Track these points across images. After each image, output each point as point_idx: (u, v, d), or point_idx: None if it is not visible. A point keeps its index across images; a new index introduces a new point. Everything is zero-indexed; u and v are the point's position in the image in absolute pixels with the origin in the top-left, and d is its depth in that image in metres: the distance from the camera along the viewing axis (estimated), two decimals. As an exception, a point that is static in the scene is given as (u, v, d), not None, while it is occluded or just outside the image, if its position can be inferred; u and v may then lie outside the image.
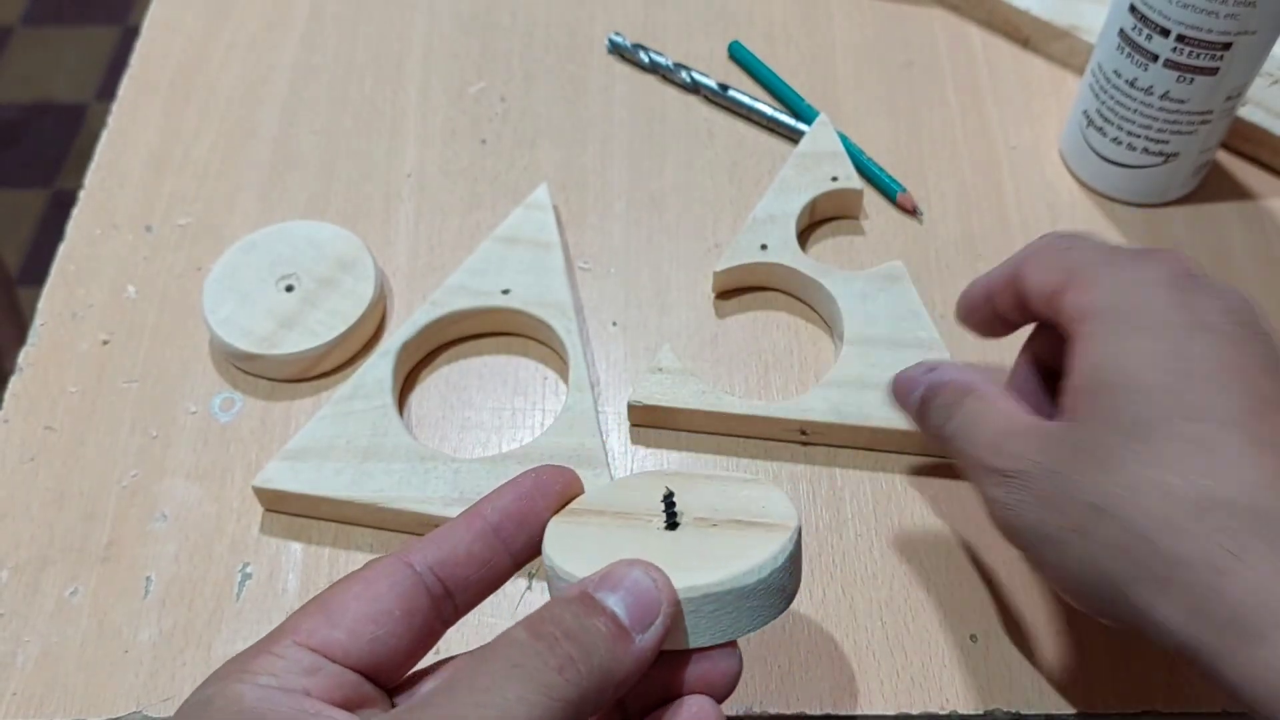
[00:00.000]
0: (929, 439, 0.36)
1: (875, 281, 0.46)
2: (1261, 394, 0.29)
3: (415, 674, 0.29)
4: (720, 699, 0.28)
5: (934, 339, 0.44)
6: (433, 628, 0.28)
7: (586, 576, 0.27)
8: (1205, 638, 0.27)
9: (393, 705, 0.27)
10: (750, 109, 0.53)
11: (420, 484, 0.40)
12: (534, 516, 0.29)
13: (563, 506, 0.30)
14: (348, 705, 0.26)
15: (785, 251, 0.47)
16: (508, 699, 0.23)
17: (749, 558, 0.28)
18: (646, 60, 0.55)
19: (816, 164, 0.49)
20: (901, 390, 0.37)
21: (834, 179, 0.49)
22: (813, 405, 0.42)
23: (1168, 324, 0.30)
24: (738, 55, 0.56)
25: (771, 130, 0.53)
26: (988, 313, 0.37)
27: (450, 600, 0.28)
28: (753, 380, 0.45)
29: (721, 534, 0.29)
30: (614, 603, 0.26)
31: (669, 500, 0.29)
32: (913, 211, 0.50)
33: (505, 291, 0.45)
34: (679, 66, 0.55)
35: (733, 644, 0.28)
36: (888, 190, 0.51)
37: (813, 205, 0.49)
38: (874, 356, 0.43)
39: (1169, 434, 0.29)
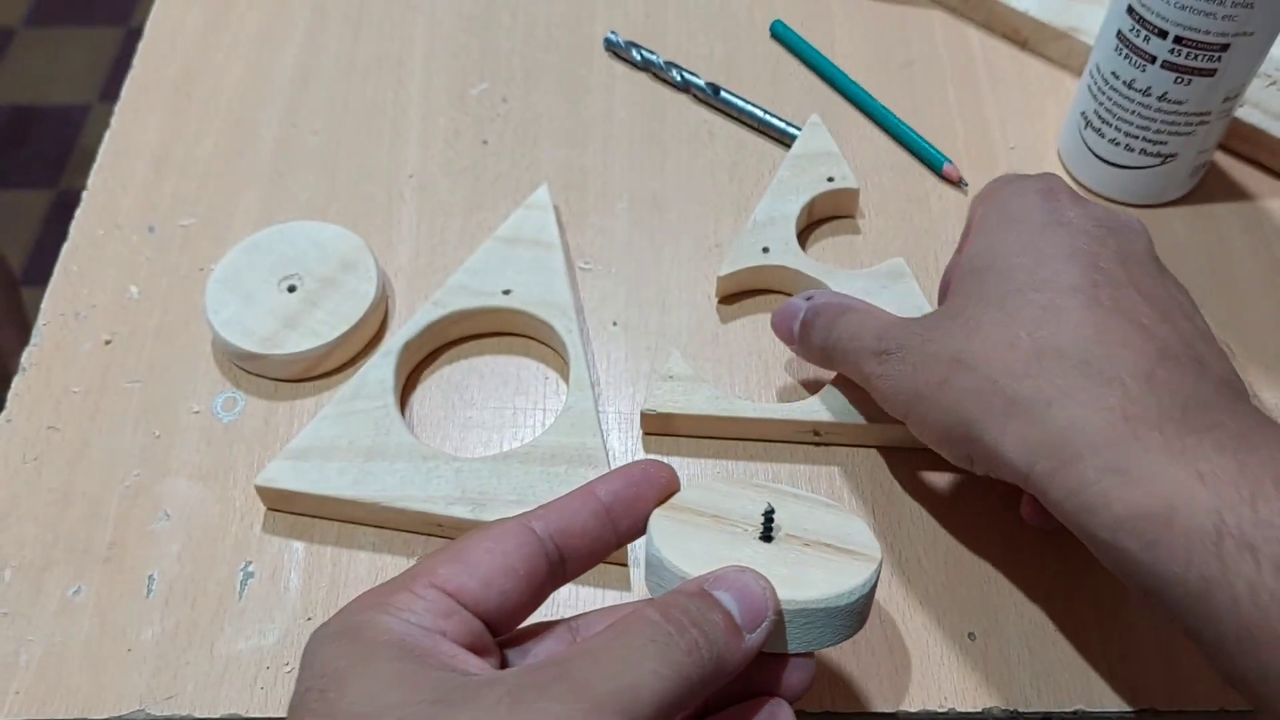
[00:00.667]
0: (810, 358, 0.41)
1: (878, 279, 0.46)
2: (1105, 271, 0.34)
3: (520, 630, 0.31)
4: (794, 700, 0.31)
5: None
6: (545, 589, 0.31)
7: (701, 575, 0.30)
8: (1037, 464, 0.32)
9: (502, 656, 0.30)
10: (742, 111, 0.54)
11: (422, 483, 0.40)
12: (640, 503, 0.32)
13: (664, 499, 0.33)
14: (473, 650, 0.28)
15: (787, 254, 0.47)
16: (645, 670, 0.26)
17: (842, 583, 0.31)
18: (639, 58, 0.56)
19: (812, 165, 0.49)
20: (783, 321, 0.41)
21: (830, 179, 0.49)
22: (826, 406, 0.42)
23: (1032, 221, 0.36)
24: (781, 35, 0.57)
25: (762, 134, 0.53)
26: None
27: (562, 566, 0.31)
28: (754, 380, 0.45)
29: (814, 554, 0.32)
30: (728, 602, 0.29)
31: (769, 515, 0.32)
32: (958, 182, 0.51)
33: (506, 292, 0.45)
34: (670, 65, 0.55)
35: (811, 654, 0.31)
36: (933, 163, 0.52)
37: (810, 206, 0.49)
38: None
39: (1021, 301, 0.34)
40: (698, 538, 0.32)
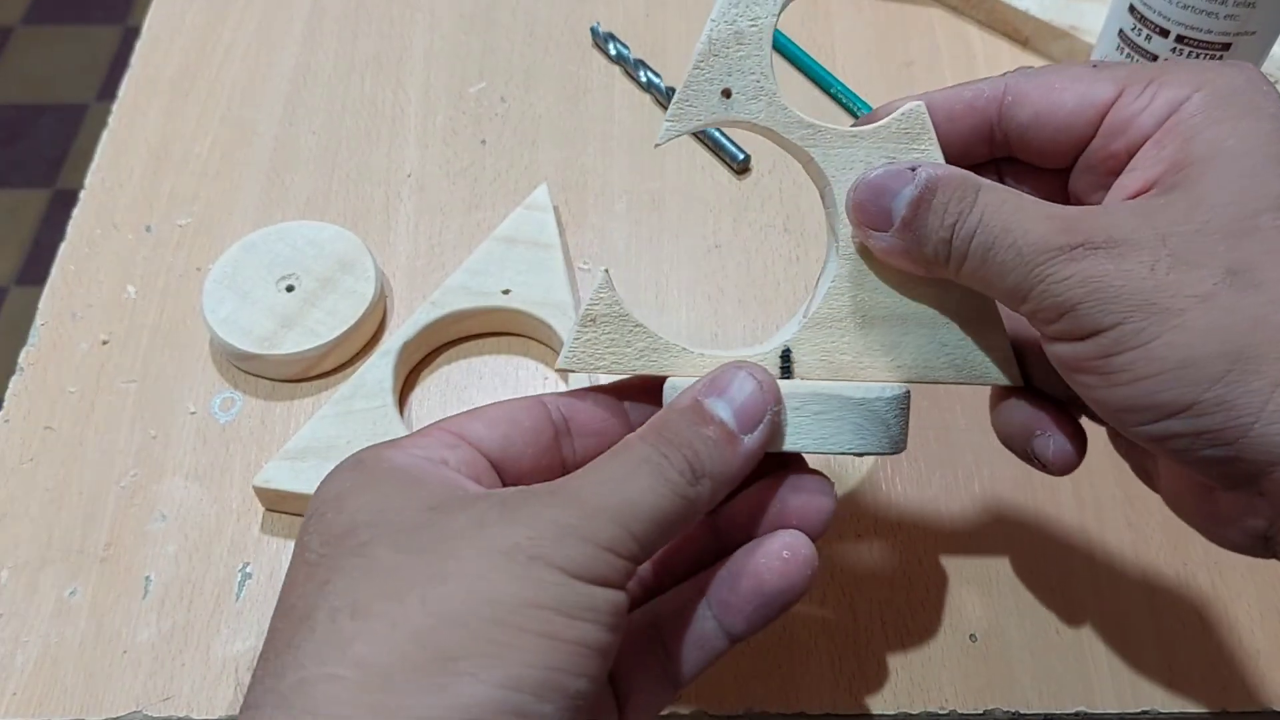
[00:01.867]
0: (916, 260, 0.29)
1: (884, 143, 0.30)
2: None
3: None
4: (814, 535, 0.29)
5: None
6: (553, 455, 0.30)
7: (696, 381, 0.29)
8: None
9: None
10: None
11: None
12: (657, 397, 0.31)
13: None
14: (475, 480, 0.28)
15: (760, 99, 0.30)
16: (639, 486, 0.26)
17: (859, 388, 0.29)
18: (614, 53, 0.56)
19: None
20: (874, 200, 0.29)
21: None
22: (791, 354, 0.34)
23: (1261, 110, 0.27)
24: (777, 43, 0.57)
25: (713, 152, 0.53)
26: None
27: (570, 439, 0.30)
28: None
29: (834, 382, 0.30)
30: (721, 408, 0.28)
31: (785, 354, 0.30)
32: None
33: (505, 292, 0.45)
34: (639, 64, 0.55)
35: (827, 480, 0.30)
36: (853, 111, 0.51)
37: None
38: (875, 280, 0.31)
39: None
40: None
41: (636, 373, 0.31)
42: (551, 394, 0.31)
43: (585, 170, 0.52)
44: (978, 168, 0.31)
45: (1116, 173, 0.29)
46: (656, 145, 0.32)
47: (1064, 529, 0.41)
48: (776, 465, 0.30)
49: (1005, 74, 0.30)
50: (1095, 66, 0.30)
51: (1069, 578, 0.40)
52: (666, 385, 0.30)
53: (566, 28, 0.58)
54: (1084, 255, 0.26)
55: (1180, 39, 0.43)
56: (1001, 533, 0.40)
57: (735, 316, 0.47)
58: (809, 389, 0.29)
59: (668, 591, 0.31)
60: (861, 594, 0.39)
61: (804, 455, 0.31)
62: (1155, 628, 0.38)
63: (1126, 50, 0.45)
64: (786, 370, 0.31)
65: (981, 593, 0.39)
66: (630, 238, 0.50)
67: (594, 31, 0.57)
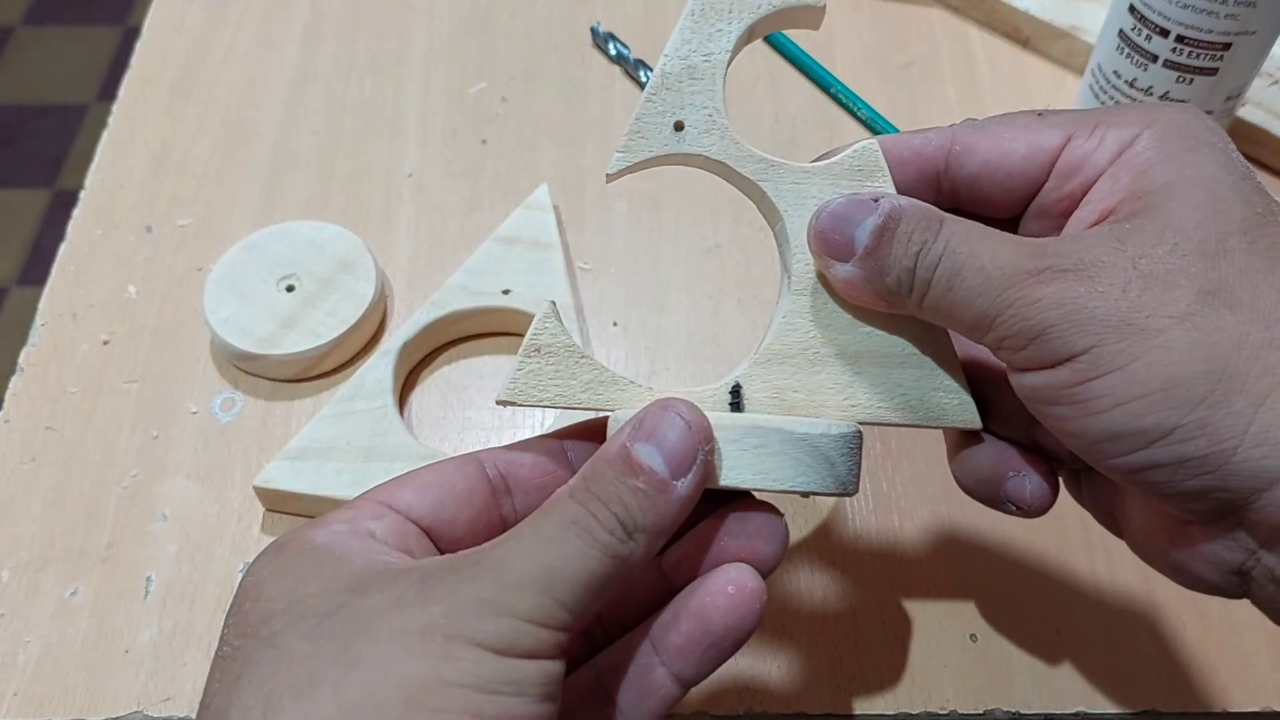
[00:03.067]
0: (876, 291, 0.28)
1: (836, 180, 0.30)
2: None
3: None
4: (763, 572, 0.28)
5: None
6: (491, 515, 0.29)
7: (624, 424, 0.27)
8: None
9: None
10: None
11: None
12: (603, 438, 0.29)
13: None
14: (404, 551, 0.27)
15: (712, 133, 0.30)
16: (566, 551, 0.25)
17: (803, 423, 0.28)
18: (614, 53, 0.56)
19: None
20: (836, 229, 0.28)
21: None
22: (740, 391, 0.32)
23: (1228, 148, 0.27)
24: (773, 39, 0.57)
25: None
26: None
27: (510, 497, 0.29)
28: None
29: (776, 416, 0.29)
30: (650, 455, 0.26)
31: (736, 389, 0.29)
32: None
33: (506, 292, 0.45)
34: (639, 63, 0.55)
35: (776, 515, 0.28)
36: (853, 111, 0.52)
37: (750, 35, 0.32)
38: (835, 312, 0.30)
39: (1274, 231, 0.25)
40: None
41: (581, 406, 0.29)
42: (489, 449, 0.30)
43: (585, 170, 0.52)
44: None
45: (1069, 214, 0.29)
46: (608, 177, 0.31)
47: (1064, 529, 0.41)
48: (722, 499, 0.29)
49: (952, 125, 0.30)
50: (1040, 115, 0.29)
51: (1069, 578, 0.40)
52: (610, 420, 0.29)
53: (566, 28, 0.58)
54: (1053, 278, 0.25)
55: (1180, 39, 0.43)
56: (1001, 533, 0.40)
57: (735, 316, 0.47)
58: (749, 421, 0.28)
59: (614, 643, 0.29)
60: (861, 594, 0.39)
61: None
62: (1155, 628, 0.38)
63: (1127, 50, 0.45)
64: (736, 406, 0.29)
65: (981, 593, 0.39)
66: (630, 238, 0.50)
67: (594, 31, 0.57)
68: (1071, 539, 0.40)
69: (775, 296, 0.47)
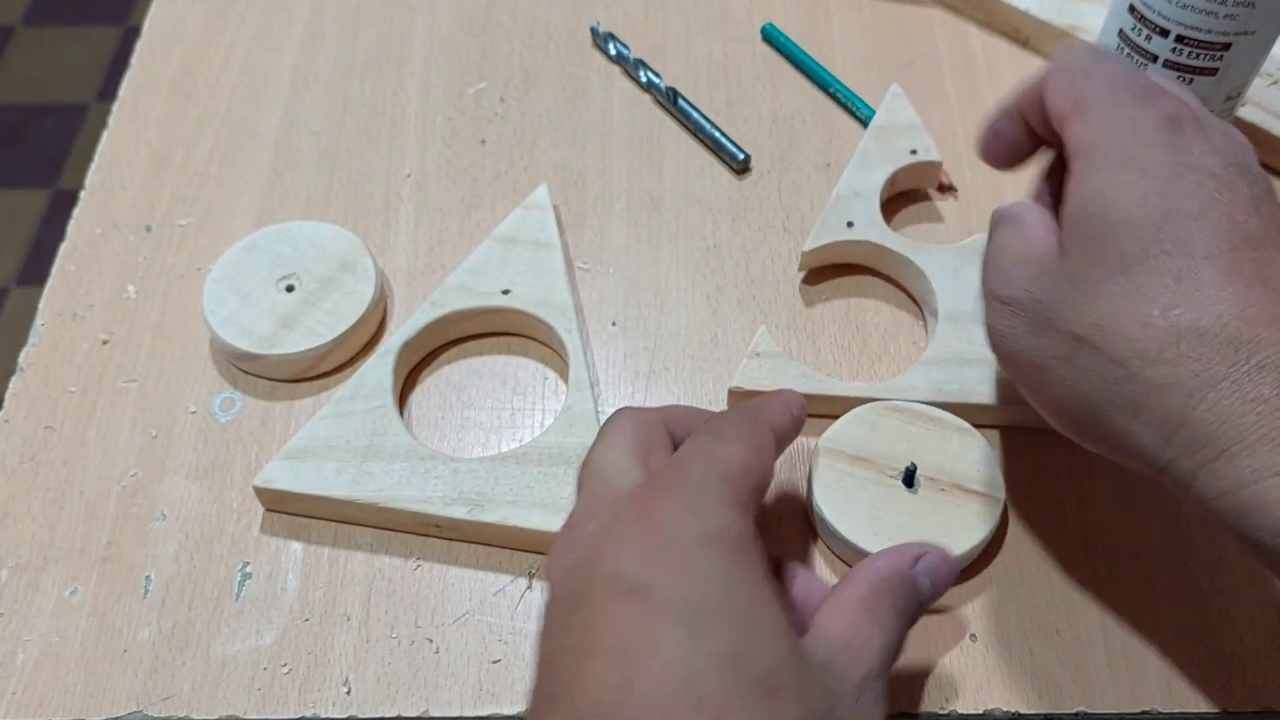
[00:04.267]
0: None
1: (964, 255, 0.45)
2: (1243, 231, 0.30)
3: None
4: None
5: None
6: None
7: (909, 551, 0.33)
8: (1177, 459, 0.29)
9: None
10: (695, 125, 0.53)
11: (420, 484, 0.40)
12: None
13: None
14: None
15: (871, 228, 0.46)
16: (886, 623, 0.31)
17: (974, 534, 0.38)
18: (614, 53, 0.56)
19: (895, 137, 0.50)
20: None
21: (913, 151, 0.49)
22: (914, 384, 0.42)
23: (1157, 163, 0.31)
24: (772, 38, 0.56)
25: (713, 152, 0.53)
26: (1014, 132, 0.37)
27: None
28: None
29: (950, 500, 0.39)
30: (925, 584, 0.33)
31: (911, 471, 0.39)
32: (948, 188, 0.51)
33: (505, 292, 0.45)
34: (639, 64, 0.55)
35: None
36: (853, 111, 0.54)
37: (893, 179, 0.49)
38: (970, 333, 0.43)
39: (1150, 268, 0.30)
40: (853, 490, 0.39)
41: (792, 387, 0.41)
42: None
43: (585, 170, 0.52)
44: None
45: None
46: (804, 255, 0.46)
47: (1064, 529, 0.41)
48: None
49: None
50: (1094, 58, 0.35)
51: (1069, 578, 0.40)
52: (813, 483, 0.40)
53: (566, 28, 0.58)
54: (998, 309, 0.33)
55: (1180, 39, 0.43)
56: (1001, 532, 0.40)
57: (734, 316, 0.47)
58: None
59: None
60: (861, 594, 0.39)
61: None
62: (1155, 628, 0.38)
63: (1127, 50, 0.45)
64: (909, 483, 0.39)
65: (981, 593, 0.39)
66: (630, 238, 0.50)
67: (594, 31, 0.57)
68: (1071, 539, 0.40)
69: (774, 297, 0.47)
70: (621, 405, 0.44)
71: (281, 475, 0.40)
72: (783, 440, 0.35)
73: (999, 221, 0.35)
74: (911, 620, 0.32)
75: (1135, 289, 0.30)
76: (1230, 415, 0.28)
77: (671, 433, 0.34)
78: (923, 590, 0.33)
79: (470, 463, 0.41)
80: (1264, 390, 0.28)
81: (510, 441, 0.43)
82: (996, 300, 0.34)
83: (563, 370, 0.45)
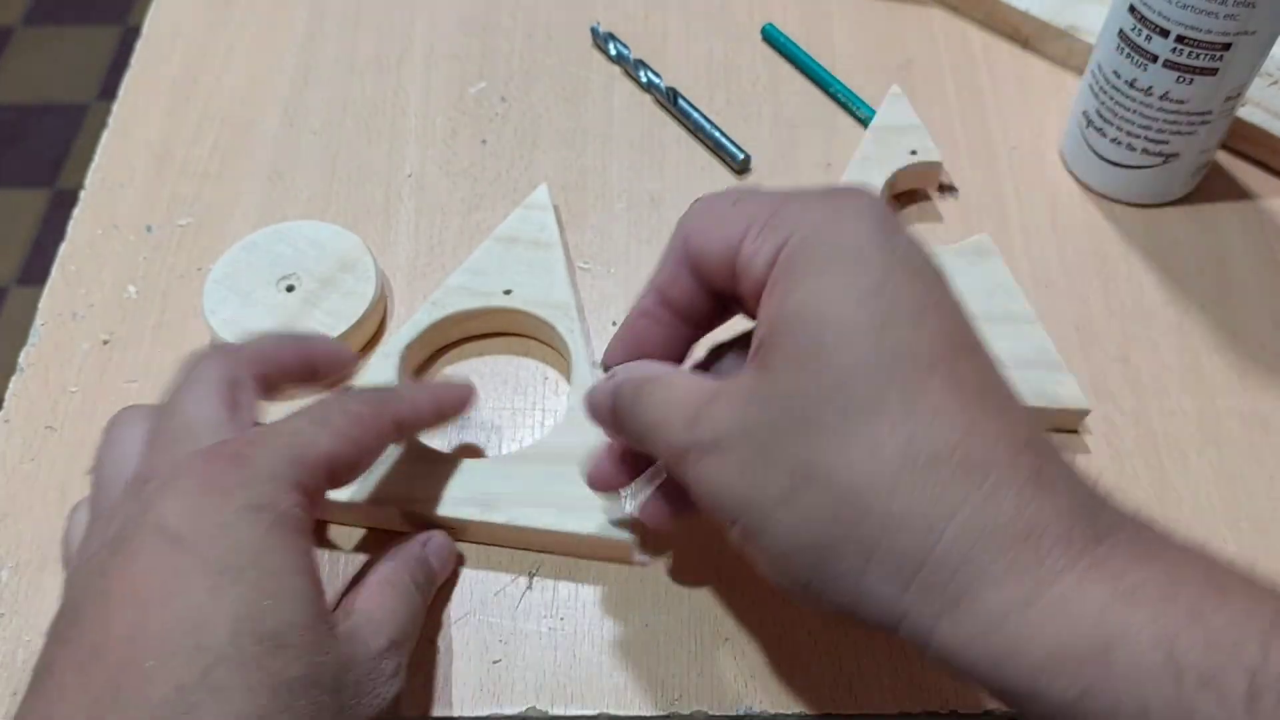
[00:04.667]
0: (631, 444, 0.33)
1: (964, 256, 0.46)
2: (955, 331, 0.28)
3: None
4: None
5: (1026, 313, 0.44)
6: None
7: (418, 538, 0.38)
8: (915, 606, 0.26)
9: None
10: (696, 125, 0.53)
11: (422, 485, 0.40)
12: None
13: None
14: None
15: None
16: (407, 594, 0.36)
17: None
18: (614, 53, 0.56)
19: (895, 138, 0.50)
20: (592, 403, 0.34)
21: (913, 152, 0.49)
22: None
23: (870, 259, 0.27)
24: (773, 38, 0.56)
25: (713, 152, 0.53)
26: (663, 319, 0.33)
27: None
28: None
29: None
30: (434, 560, 0.38)
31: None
32: (949, 188, 0.51)
33: (507, 292, 0.45)
34: (639, 64, 0.55)
35: None
36: (853, 111, 0.54)
37: (894, 180, 0.49)
38: None
39: (873, 386, 0.26)
40: None
41: None
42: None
43: (585, 170, 0.52)
44: None
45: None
46: None
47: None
48: None
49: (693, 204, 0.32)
50: (735, 201, 0.30)
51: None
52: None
53: (566, 28, 0.58)
54: (698, 459, 0.29)
55: (1180, 39, 0.43)
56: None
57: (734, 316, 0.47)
58: None
59: None
60: (862, 594, 0.39)
61: None
62: (1155, 627, 0.38)
63: (1127, 50, 0.45)
64: None
65: (981, 592, 0.39)
66: (630, 238, 0.50)
67: (594, 31, 0.57)
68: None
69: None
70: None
71: (282, 475, 0.40)
72: (411, 425, 0.37)
73: (635, 389, 0.31)
74: (426, 596, 0.37)
75: (859, 410, 0.26)
76: (973, 546, 0.25)
77: (264, 373, 0.35)
78: (433, 567, 0.38)
79: (479, 463, 0.41)
80: (1003, 515, 0.25)
81: (512, 442, 0.43)
82: (695, 448, 0.28)
83: (564, 369, 0.45)
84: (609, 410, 0.33)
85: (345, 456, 0.33)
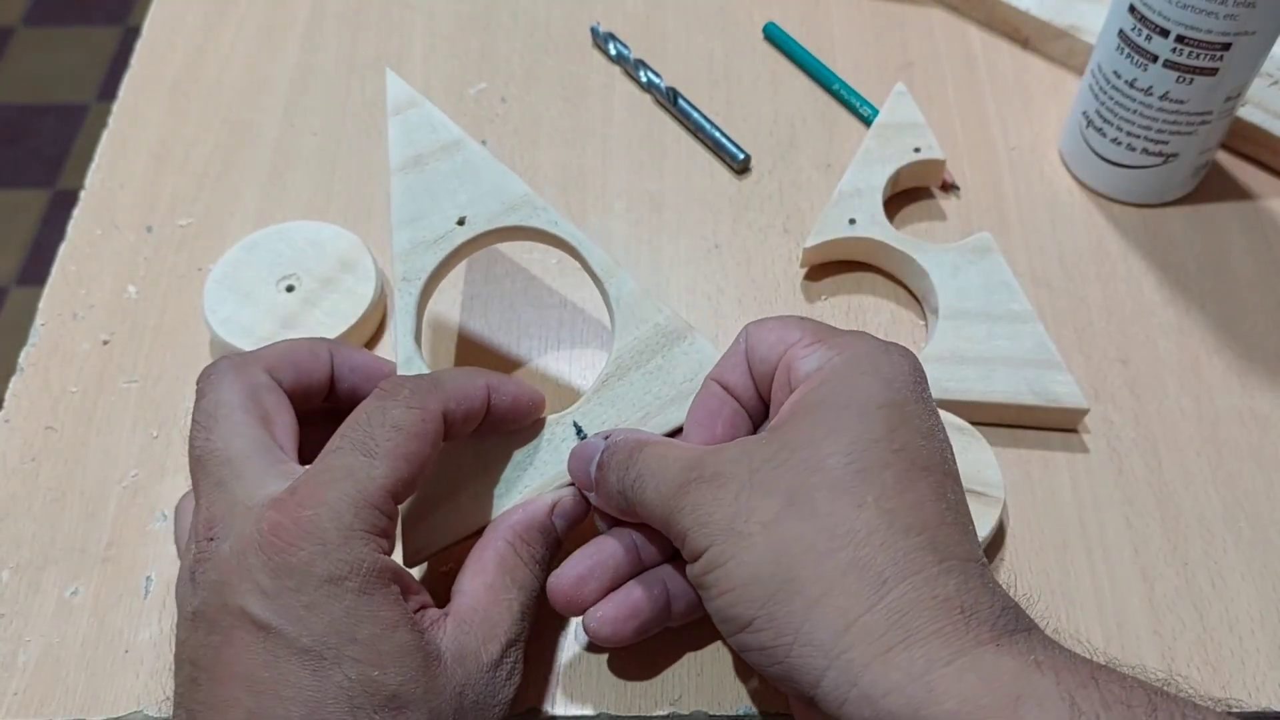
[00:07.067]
0: (610, 507, 0.35)
1: (965, 254, 0.46)
2: (941, 455, 0.31)
3: None
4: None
5: (1026, 310, 0.44)
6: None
7: (544, 501, 0.36)
8: (851, 648, 0.28)
9: None
10: (696, 125, 0.53)
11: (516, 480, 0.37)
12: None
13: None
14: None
15: (874, 225, 0.47)
16: (524, 578, 0.35)
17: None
18: (614, 53, 0.56)
19: (898, 135, 0.50)
20: (579, 465, 0.36)
21: (916, 149, 0.49)
22: None
23: (902, 385, 0.32)
24: (775, 37, 0.56)
25: (713, 152, 0.53)
26: (716, 393, 0.36)
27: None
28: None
29: None
30: (559, 523, 0.36)
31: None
32: (951, 188, 0.51)
33: (461, 222, 0.40)
34: (639, 64, 0.55)
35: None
36: (855, 109, 0.54)
37: (896, 177, 0.49)
38: (968, 330, 0.44)
39: (877, 459, 0.30)
40: None
41: None
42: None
43: (585, 170, 0.52)
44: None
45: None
46: (805, 251, 0.47)
47: (1063, 529, 0.41)
48: None
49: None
50: (803, 321, 0.34)
51: (1068, 577, 0.40)
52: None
53: (566, 28, 0.58)
54: (694, 488, 0.31)
55: (1180, 39, 0.43)
56: (999, 532, 0.40)
57: (735, 316, 0.47)
58: None
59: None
60: (861, 594, 0.39)
61: None
62: (1155, 628, 0.38)
63: (1127, 50, 0.45)
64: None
65: (981, 592, 0.39)
66: (630, 238, 0.50)
67: (594, 31, 0.57)
68: (1071, 539, 0.41)
69: (774, 297, 0.47)
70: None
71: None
72: (469, 416, 0.34)
73: (630, 449, 0.34)
74: (547, 570, 0.35)
75: (857, 472, 0.30)
76: (913, 607, 0.28)
77: (278, 380, 0.35)
78: (558, 537, 0.36)
79: (577, 410, 0.38)
80: (948, 590, 0.28)
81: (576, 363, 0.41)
82: (682, 490, 0.31)
83: (568, 250, 0.41)
84: (597, 465, 0.35)
85: (405, 477, 0.32)
